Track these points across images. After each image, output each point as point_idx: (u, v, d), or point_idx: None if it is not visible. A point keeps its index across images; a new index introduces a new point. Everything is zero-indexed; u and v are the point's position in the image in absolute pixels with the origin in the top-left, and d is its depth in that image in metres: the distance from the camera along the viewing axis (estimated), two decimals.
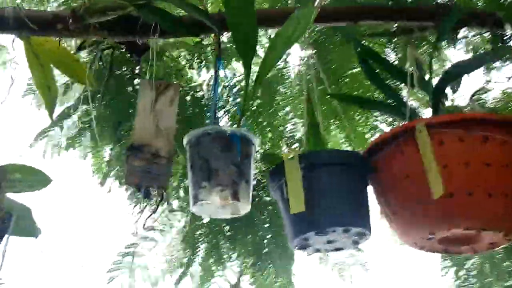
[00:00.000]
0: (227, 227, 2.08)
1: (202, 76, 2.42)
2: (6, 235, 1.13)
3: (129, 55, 1.86)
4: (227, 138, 1.17)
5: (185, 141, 1.21)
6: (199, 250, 2.11)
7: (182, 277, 2.08)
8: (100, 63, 1.82)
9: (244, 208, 1.18)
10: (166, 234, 2.13)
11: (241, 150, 1.17)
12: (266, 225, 2.00)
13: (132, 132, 1.24)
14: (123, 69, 1.91)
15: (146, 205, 1.17)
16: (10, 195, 1.31)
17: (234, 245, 2.07)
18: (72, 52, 1.79)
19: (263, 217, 2.00)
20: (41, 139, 2.19)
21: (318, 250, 1.16)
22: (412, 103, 1.29)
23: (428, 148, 0.99)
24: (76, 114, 2.11)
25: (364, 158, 1.15)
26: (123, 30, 1.41)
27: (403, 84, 1.32)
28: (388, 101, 1.30)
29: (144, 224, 1.16)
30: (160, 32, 1.39)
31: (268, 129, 2.06)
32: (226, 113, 2.00)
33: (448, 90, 1.25)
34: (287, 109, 2.18)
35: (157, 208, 1.17)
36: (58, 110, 2.24)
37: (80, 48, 1.74)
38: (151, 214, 1.17)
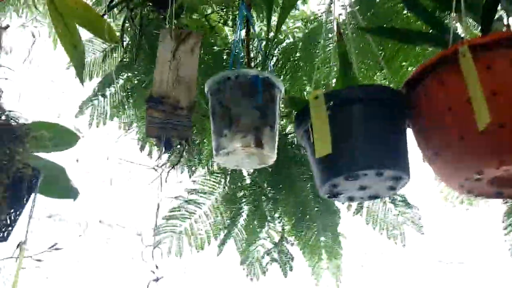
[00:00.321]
0: (269, 188, 2.02)
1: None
2: (34, 194, 1.12)
3: (157, 11, 1.81)
4: (249, 81, 1.08)
5: (206, 88, 1.14)
6: (242, 212, 2.07)
7: (225, 240, 2.05)
8: (131, 22, 1.78)
9: (270, 156, 1.10)
10: (209, 196, 2.10)
11: (264, 94, 1.08)
12: (308, 184, 1.91)
13: (152, 83, 1.19)
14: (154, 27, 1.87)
15: (169, 156, 1.12)
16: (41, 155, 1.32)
17: (276, 205, 2.00)
18: (103, 11, 1.77)
19: (304, 175, 1.91)
20: (86, 108, 2.22)
21: (351, 199, 1.06)
22: (459, 31, 1.13)
23: (473, 73, 0.85)
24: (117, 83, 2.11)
25: (401, 93, 1.03)
26: None
27: (449, 14, 1.16)
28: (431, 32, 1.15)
29: (166, 178, 1.12)
30: None
31: (306, 83, 1.95)
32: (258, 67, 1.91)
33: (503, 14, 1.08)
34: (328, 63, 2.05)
35: (180, 160, 1.12)
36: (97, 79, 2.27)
37: (110, 7, 1.70)
38: (173, 166, 1.12)
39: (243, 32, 1.41)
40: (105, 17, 1.62)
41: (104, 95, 2.14)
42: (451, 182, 0.99)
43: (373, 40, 1.34)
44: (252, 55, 2.18)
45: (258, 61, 1.78)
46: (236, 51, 1.21)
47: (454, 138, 0.91)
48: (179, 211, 2.12)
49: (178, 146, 1.12)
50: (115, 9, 1.93)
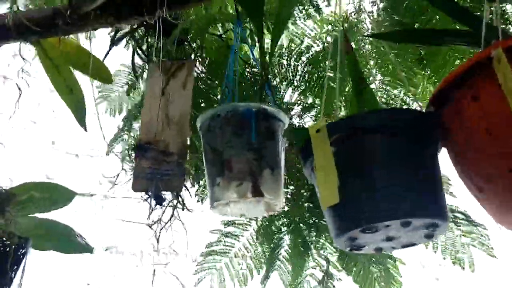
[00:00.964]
0: (308, 214, 1.81)
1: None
2: (23, 263, 1.01)
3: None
4: (240, 117, 0.91)
5: (198, 127, 0.98)
6: (283, 242, 1.89)
7: (268, 273, 1.88)
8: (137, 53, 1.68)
9: (276, 203, 0.91)
10: (246, 227, 1.94)
11: (259, 130, 0.91)
12: None
13: (139, 127, 1.05)
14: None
15: (163, 212, 0.97)
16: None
17: (319, 233, 1.80)
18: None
19: None
20: (116, 143, 2.15)
21: (378, 250, 0.84)
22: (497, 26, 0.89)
23: None
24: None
25: (428, 114, 0.81)
26: (129, 11, 1.22)
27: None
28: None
29: (157, 238, 0.97)
30: (167, 5, 1.17)
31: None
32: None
33: None
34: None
35: (172, 215, 0.96)
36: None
37: (113, 42, 1.61)
38: (165, 224, 0.97)
39: (254, 52, 1.24)
40: (112, 51, 1.52)
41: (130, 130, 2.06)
42: (506, 222, 0.76)
43: (398, 48, 1.12)
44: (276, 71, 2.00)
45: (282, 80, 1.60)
46: (228, 83, 1.04)
47: (501, 169, 0.68)
48: (217, 245, 1.98)
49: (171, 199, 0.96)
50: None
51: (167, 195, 0.96)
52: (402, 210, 0.72)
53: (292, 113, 2.25)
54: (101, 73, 1.32)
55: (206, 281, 1.99)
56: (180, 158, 1.00)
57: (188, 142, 1.05)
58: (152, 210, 0.93)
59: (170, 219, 0.94)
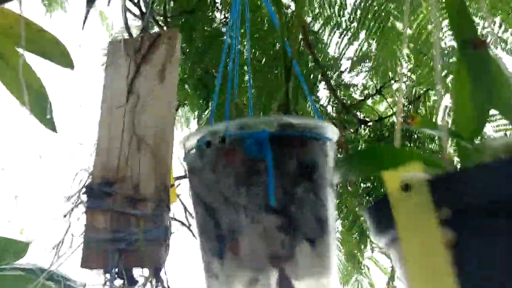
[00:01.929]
0: None
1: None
2: None
3: None
4: (245, 148, 0.48)
5: (182, 153, 0.57)
6: None
7: None
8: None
9: None
10: None
11: (285, 169, 0.48)
12: None
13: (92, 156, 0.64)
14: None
15: None
16: None
17: None
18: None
19: None
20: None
21: None
22: None
23: None
24: None
25: None
26: None
27: None
28: None
29: None
30: None
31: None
32: None
33: None
34: None
35: None
36: None
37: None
38: None
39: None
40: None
41: None
42: None
43: None
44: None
45: None
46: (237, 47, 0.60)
47: None
48: None
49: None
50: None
51: (141, 272, 0.58)
52: None
53: (342, 68, 1.77)
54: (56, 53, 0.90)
55: None
56: (158, 206, 0.59)
57: (173, 177, 0.63)
58: None
59: None
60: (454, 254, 0.36)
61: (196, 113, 2.00)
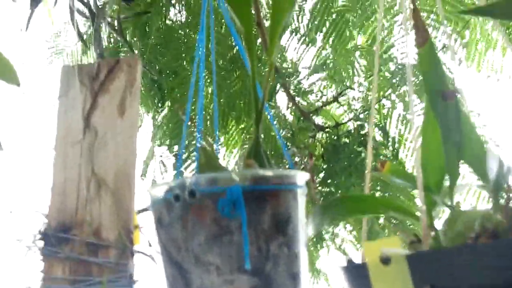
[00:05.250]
0: None
1: None
2: None
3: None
4: (216, 205, 0.46)
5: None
6: None
7: None
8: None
9: None
10: None
11: (258, 226, 0.46)
12: None
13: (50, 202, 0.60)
14: None
15: None
16: None
17: None
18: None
19: None
20: None
21: None
22: None
23: None
24: None
25: None
26: None
27: None
28: None
29: None
30: None
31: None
32: None
33: None
34: None
35: None
36: None
37: None
38: None
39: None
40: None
41: None
42: None
43: None
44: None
45: None
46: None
47: None
48: None
49: None
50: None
51: None
52: None
53: (301, 76, 1.76)
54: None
55: None
56: (122, 254, 0.56)
57: (137, 220, 0.60)
58: None
59: None
60: None
61: (151, 114, 1.94)
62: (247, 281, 0.45)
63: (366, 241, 0.40)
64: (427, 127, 0.51)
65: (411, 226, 1.05)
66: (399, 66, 1.46)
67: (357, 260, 0.51)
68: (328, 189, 1.56)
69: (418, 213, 0.50)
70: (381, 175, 0.51)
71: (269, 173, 0.48)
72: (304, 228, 0.51)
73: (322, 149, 1.61)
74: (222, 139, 1.81)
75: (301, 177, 0.51)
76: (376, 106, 1.56)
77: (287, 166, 1.44)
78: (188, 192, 0.46)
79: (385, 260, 0.38)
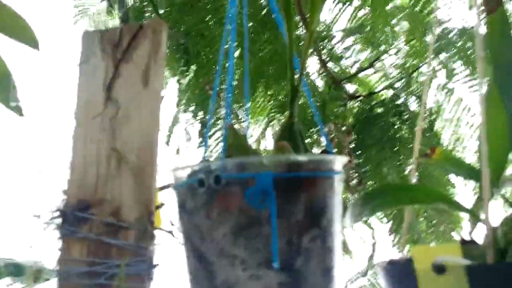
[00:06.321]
0: None
1: None
2: None
3: None
4: (245, 194, 0.42)
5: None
6: None
7: None
8: None
9: None
10: None
11: (290, 218, 0.42)
12: None
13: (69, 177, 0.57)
14: None
15: None
16: None
17: None
18: None
19: None
20: None
21: None
22: None
23: None
24: None
25: None
26: None
27: None
28: None
29: None
30: None
31: None
32: None
33: None
34: None
35: None
36: None
37: None
38: None
39: None
40: None
41: None
42: None
43: None
44: None
45: None
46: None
47: None
48: None
49: None
50: None
51: None
52: None
53: (334, 40, 1.66)
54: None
55: None
56: (143, 237, 0.53)
57: (159, 197, 0.57)
58: None
59: None
60: None
61: (176, 78, 1.90)
62: (276, 277, 0.41)
63: (418, 246, 0.35)
64: (489, 106, 0.45)
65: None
66: (445, 31, 1.35)
67: (397, 258, 0.47)
68: (357, 161, 1.50)
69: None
70: (433, 162, 0.46)
71: (303, 158, 0.43)
72: (340, 219, 0.46)
73: (353, 119, 1.54)
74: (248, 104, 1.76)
75: (339, 162, 0.46)
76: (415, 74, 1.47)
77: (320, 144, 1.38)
78: (213, 178, 0.42)
79: (439, 269, 0.33)
